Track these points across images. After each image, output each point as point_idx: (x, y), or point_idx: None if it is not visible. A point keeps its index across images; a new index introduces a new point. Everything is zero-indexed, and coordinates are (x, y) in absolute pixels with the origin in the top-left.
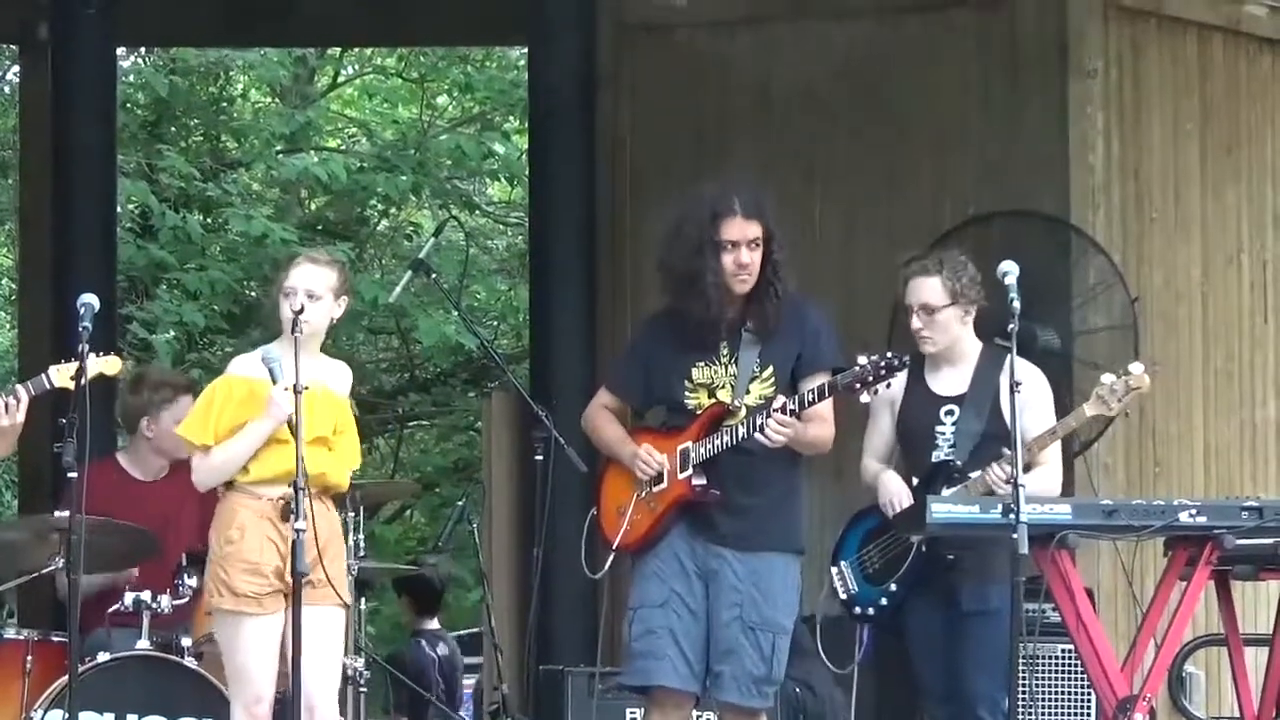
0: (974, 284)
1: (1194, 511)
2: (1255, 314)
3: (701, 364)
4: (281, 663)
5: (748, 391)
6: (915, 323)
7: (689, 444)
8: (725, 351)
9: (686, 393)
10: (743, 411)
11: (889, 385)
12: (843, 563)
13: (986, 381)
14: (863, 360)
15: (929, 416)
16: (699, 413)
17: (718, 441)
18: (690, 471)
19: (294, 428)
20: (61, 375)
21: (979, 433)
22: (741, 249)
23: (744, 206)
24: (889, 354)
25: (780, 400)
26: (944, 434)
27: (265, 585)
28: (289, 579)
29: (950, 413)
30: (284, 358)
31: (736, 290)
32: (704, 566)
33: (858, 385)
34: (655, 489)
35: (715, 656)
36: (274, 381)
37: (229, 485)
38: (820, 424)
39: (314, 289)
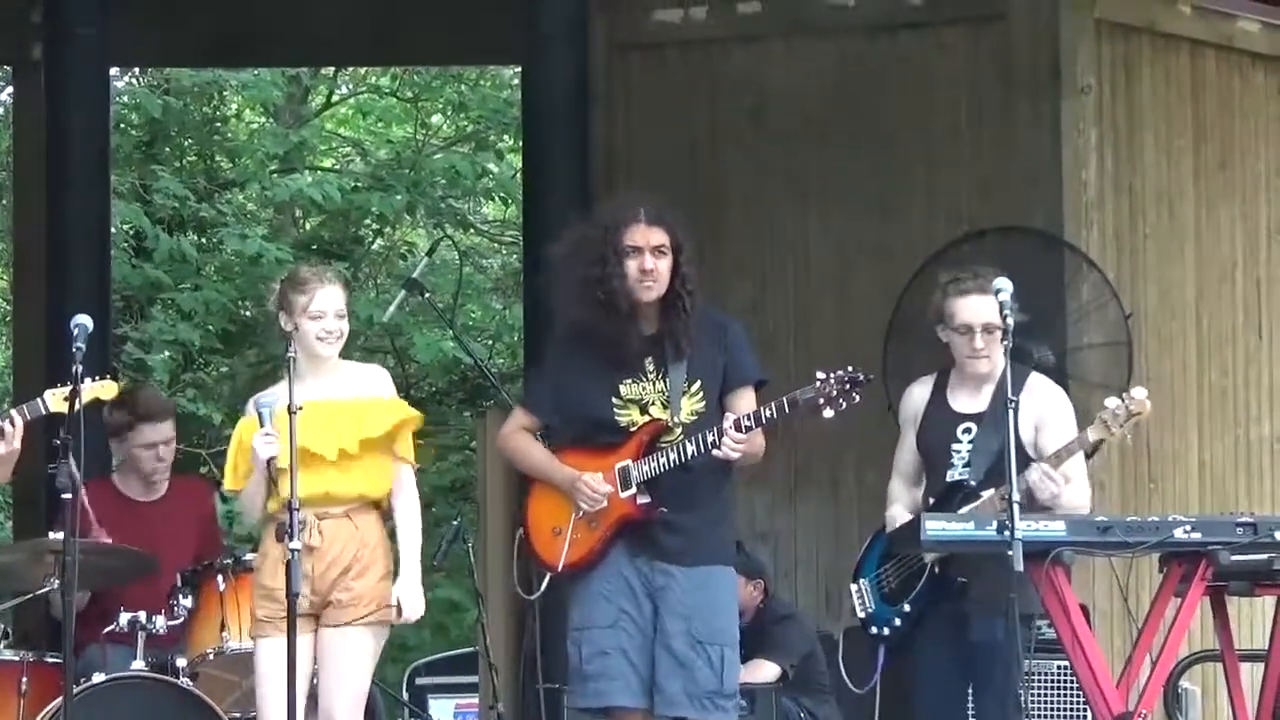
0: None
1: (1188, 528)
2: (1249, 330)
3: (629, 380)
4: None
5: (679, 408)
6: (977, 342)
7: (629, 462)
8: (651, 367)
9: (616, 410)
10: (679, 429)
11: (857, 400)
12: (863, 580)
13: (1005, 400)
14: (821, 375)
15: (946, 434)
16: (633, 430)
17: (661, 460)
18: (634, 490)
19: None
20: (56, 400)
21: (995, 451)
22: (645, 254)
23: (648, 214)
24: (850, 369)
25: (732, 417)
26: (959, 452)
27: (279, 609)
28: (302, 602)
29: (968, 430)
30: (307, 384)
31: (642, 297)
32: (650, 584)
33: (820, 401)
34: (595, 508)
35: (663, 673)
36: (260, 425)
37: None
38: (757, 434)
39: (341, 309)
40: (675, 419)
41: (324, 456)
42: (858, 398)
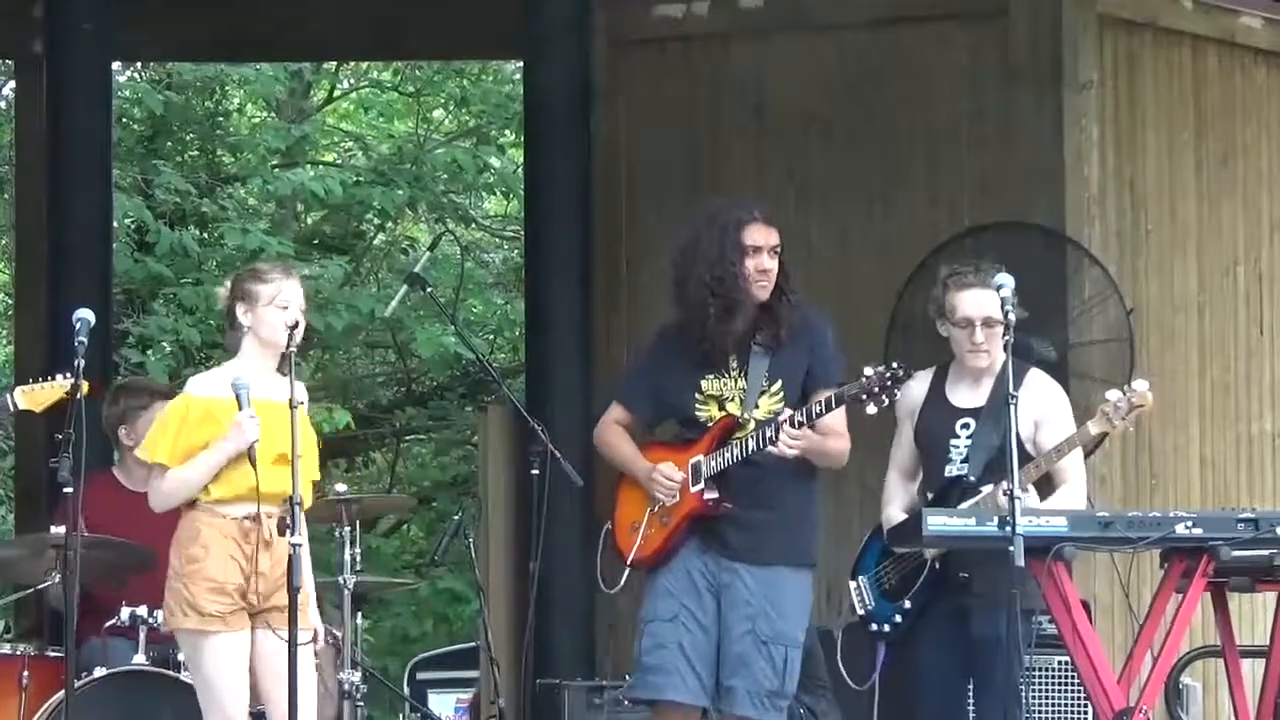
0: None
1: (1190, 523)
2: (1251, 326)
3: (711, 376)
4: (250, 677)
5: (756, 405)
6: (976, 336)
7: (700, 457)
8: (734, 364)
9: (698, 405)
10: (751, 424)
11: (898, 395)
12: (861, 577)
13: (1005, 395)
14: (868, 371)
15: (944, 429)
16: (710, 425)
17: (727, 455)
18: (701, 485)
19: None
20: (25, 398)
21: (994, 447)
22: (764, 254)
23: (762, 214)
24: (894, 364)
25: (787, 413)
26: (957, 447)
27: (230, 604)
28: (251, 598)
29: (966, 426)
30: (256, 379)
31: (758, 296)
32: (716, 581)
33: (864, 396)
34: (669, 503)
35: (726, 670)
36: (240, 407)
37: (191, 503)
38: (836, 438)
39: (303, 304)
40: (746, 415)
41: (285, 455)
42: (898, 393)
